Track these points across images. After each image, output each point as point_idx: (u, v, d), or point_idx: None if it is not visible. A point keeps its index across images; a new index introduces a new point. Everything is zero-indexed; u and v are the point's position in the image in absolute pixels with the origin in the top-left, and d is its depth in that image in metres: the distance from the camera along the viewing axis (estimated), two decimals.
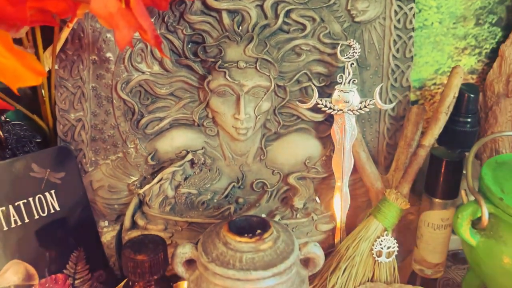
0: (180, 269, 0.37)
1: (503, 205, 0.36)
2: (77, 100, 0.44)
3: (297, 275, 0.36)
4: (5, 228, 0.39)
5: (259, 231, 0.36)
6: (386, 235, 0.42)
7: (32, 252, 0.40)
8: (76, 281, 0.42)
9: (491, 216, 0.37)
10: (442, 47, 0.51)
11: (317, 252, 0.37)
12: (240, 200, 0.46)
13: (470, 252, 0.40)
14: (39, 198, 0.41)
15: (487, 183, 0.38)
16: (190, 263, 0.38)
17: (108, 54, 0.43)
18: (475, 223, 0.39)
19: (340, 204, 0.45)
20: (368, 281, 0.43)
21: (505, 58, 0.51)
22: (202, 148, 0.45)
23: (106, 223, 0.45)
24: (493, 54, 0.51)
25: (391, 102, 0.46)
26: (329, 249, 0.45)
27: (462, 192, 0.40)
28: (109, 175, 0.45)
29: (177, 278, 0.44)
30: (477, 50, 0.51)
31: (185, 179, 0.44)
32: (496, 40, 0.51)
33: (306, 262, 0.38)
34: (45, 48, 0.42)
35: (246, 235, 0.36)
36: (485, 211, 0.36)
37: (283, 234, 0.37)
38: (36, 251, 0.40)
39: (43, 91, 0.44)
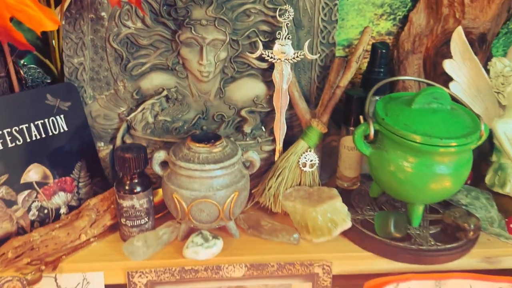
0: (157, 168, 0.51)
1: (384, 123, 0.51)
2: (79, 49, 0.57)
3: (239, 172, 0.51)
4: (28, 140, 0.53)
5: (212, 140, 0.51)
6: (310, 151, 0.57)
7: (48, 159, 0.54)
8: (80, 184, 0.57)
9: (379, 132, 0.52)
10: (364, 13, 0.64)
11: (254, 157, 0.52)
12: (204, 127, 0.60)
13: (368, 162, 0.55)
14: (52, 120, 0.54)
15: (377, 109, 0.53)
16: (163, 165, 0.52)
17: (103, 13, 0.56)
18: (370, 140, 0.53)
19: (279, 131, 0.59)
20: (296, 185, 0.58)
21: (413, 23, 0.65)
22: (175, 87, 0.59)
23: (102, 143, 0.59)
24: (404, 20, 0.65)
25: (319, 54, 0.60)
26: (271, 164, 0.60)
27: (361, 117, 0.54)
28: (104, 106, 0.59)
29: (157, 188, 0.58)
30: (391, 16, 0.65)
31: (162, 110, 0.59)
32: (407, 8, 0.65)
33: (247, 165, 0.53)
34: (55, 7, 0.55)
35: (203, 142, 0.50)
36: (371, 128, 0.51)
37: (230, 144, 0.52)
38: (50, 158, 0.54)
39: (53, 41, 0.57)
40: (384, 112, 0.52)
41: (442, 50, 0.64)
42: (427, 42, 0.64)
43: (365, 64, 0.64)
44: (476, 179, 0.64)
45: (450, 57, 0.62)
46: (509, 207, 0.58)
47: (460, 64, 0.62)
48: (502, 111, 0.61)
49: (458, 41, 0.61)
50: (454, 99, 0.56)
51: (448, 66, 0.62)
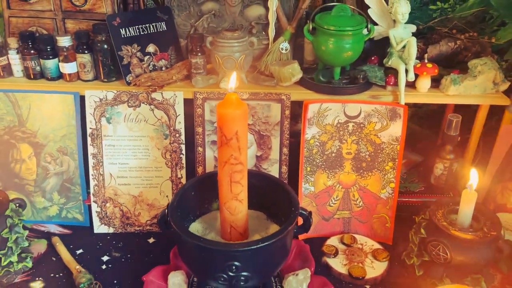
0: (208, 44, 1.07)
1: (318, 22, 1.03)
2: None
3: (246, 47, 1.05)
4: (148, 32, 1.10)
5: (233, 30, 1.05)
6: (285, 42, 1.10)
7: (157, 42, 1.11)
8: (171, 57, 1.13)
9: (316, 28, 1.04)
10: None
11: (254, 40, 1.06)
12: None
13: (313, 45, 1.07)
14: (160, 23, 1.11)
15: (315, 16, 1.04)
16: (211, 43, 1.07)
17: None
18: (311, 32, 1.06)
19: (271, 32, 1.12)
20: (278, 60, 1.11)
21: None
22: (218, 9, 1.14)
23: (181, 40, 1.16)
24: None
25: None
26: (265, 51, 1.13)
27: (308, 22, 1.06)
28: (183, 19, 1.15)
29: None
30: None
31: (211, 20, 1.14)
32: None
33: (250, 45, 1.07)
34: None
35: (229, 31, 1.05)
36: (310, 25, 1.04)
37: (243, 33, 1.06)
38: (158, 42, 1.11)
39: None
40: (318, 17, 1.04)
41: None
42: None
43: None
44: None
45: None
46: (390, 72, 1.08)
47: None
48: (394, 24, 1.10)
49: None
50: (368, 16, 1.07)
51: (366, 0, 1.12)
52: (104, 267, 1.03)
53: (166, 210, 0.86)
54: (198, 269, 0.82)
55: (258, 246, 0.75)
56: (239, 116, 0.78)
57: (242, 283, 0.79)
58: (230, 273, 0.77)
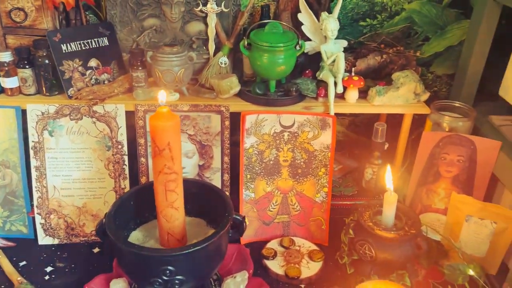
0: (148, 59, 1.11)
1: (252, 39, 1.09)
2: (114, 6, 1.17)
3: (185, 61, 1.11)
4: (91, 47, 1.13)
5: (173, 45, 1.10)
6: (224, 57, 1.16)
7: (99, 57, 1.14)
8: (114, 71, 1.17)
9: (251, 44, 1.11)
10: None
11: (193, 55, 1.11)
12: None
13: (249, 60, 1.13)
14: (102, 39, 1.14)
15: (250, 33, 1.11)
16: (151, 58, 1.12)
17: None
18: (247, 48, 1.12)
19: (211, 48, 1.18)
20: (218, 73, 1.17)
21: None
22: (159, 25, 1.18)
23: (124, 54, 1.19)
24: None
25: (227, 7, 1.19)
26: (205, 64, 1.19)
27: (244, 38, 1.13)
28: (126, 35, 1.19)
29: None
30: None
31: (153, 35, 1.18)
32: None
33: (189, 59, 1.12)
34: None
35: (168, 46, 1.10)
36: (246, 41, 1.10)
37: (182, 48, 1.11)
38: (100, 56, 1.14)
39: (102, 2, 1.17)
40: (253, 34, 1.11)
41: (298, 9, 1.21)
42: (291, 4, 1.21)
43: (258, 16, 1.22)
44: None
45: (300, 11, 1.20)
46: (322, 85, 1.15)
47: (305, 16, 1.19)
48: (325, 40, 1.18)
49: (302, 4, 1.18)
50: (302, 32, 1.14)
51: (300, 17, 1.20)
52: (47, 277, 1.04)
53: (104, 220, 0.89)
54: (135, 274, 0.86)
55: (189, 250, 0.80)
56: (170, 128, 0.82)
57: (177, 287, 0.83)
58: (165, 277, 0.81)
